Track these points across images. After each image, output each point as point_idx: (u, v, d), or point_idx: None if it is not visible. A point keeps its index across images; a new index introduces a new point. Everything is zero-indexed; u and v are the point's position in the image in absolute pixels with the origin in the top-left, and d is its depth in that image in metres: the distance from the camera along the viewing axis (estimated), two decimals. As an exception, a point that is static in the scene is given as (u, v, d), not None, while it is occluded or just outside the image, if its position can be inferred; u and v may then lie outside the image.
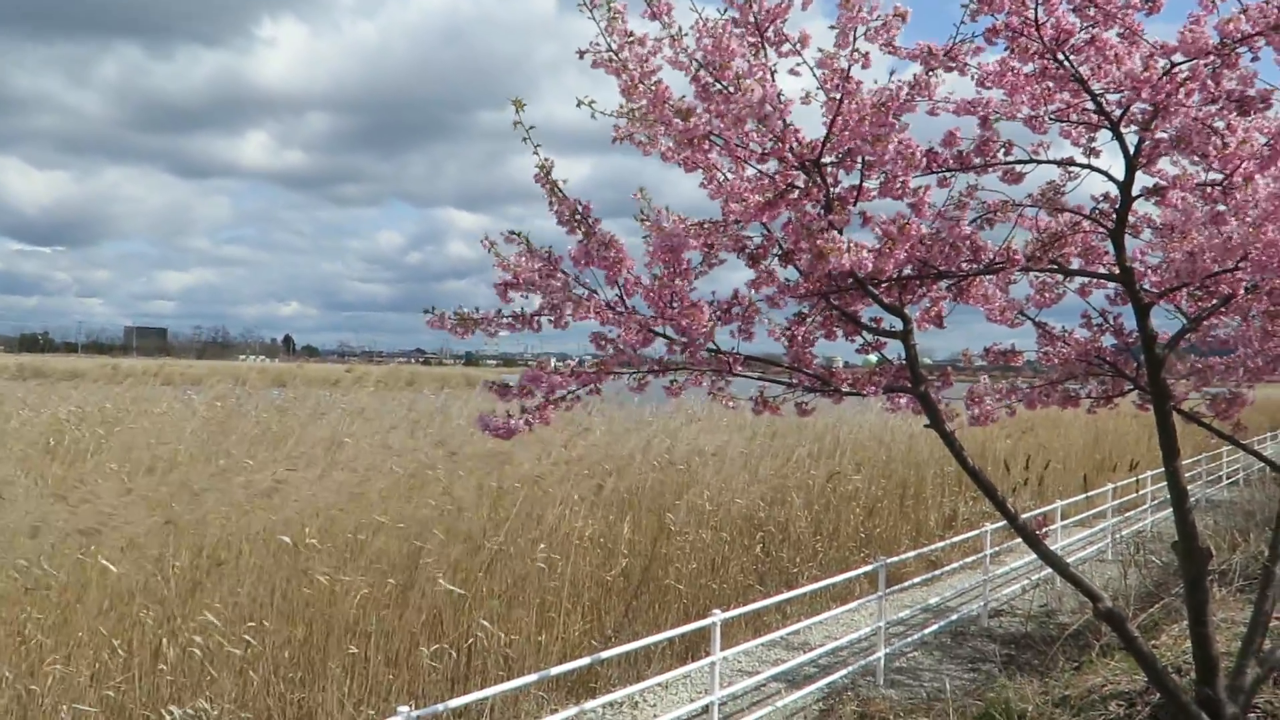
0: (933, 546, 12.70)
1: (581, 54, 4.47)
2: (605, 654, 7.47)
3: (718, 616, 7.69)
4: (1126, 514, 18.56)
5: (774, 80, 4.36)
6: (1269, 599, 5.64)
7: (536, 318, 4.64)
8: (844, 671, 9.60)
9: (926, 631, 11.27)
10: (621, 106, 4.56)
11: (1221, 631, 8.44)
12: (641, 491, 11.82)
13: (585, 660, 7.29)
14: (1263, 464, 8.55)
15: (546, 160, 4.57)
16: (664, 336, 4.80)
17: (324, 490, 8.77)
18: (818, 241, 4.36)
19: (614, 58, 4.44)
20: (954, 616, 11.90)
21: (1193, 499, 6.82)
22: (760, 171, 4.63)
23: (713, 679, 7.74)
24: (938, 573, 12.87)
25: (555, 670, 6.97)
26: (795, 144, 4.43)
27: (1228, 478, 25.69)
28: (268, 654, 7.22)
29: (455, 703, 5.89)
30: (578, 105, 4.49)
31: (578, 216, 4.59)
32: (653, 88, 4.43)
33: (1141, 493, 19.21)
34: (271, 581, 7.71)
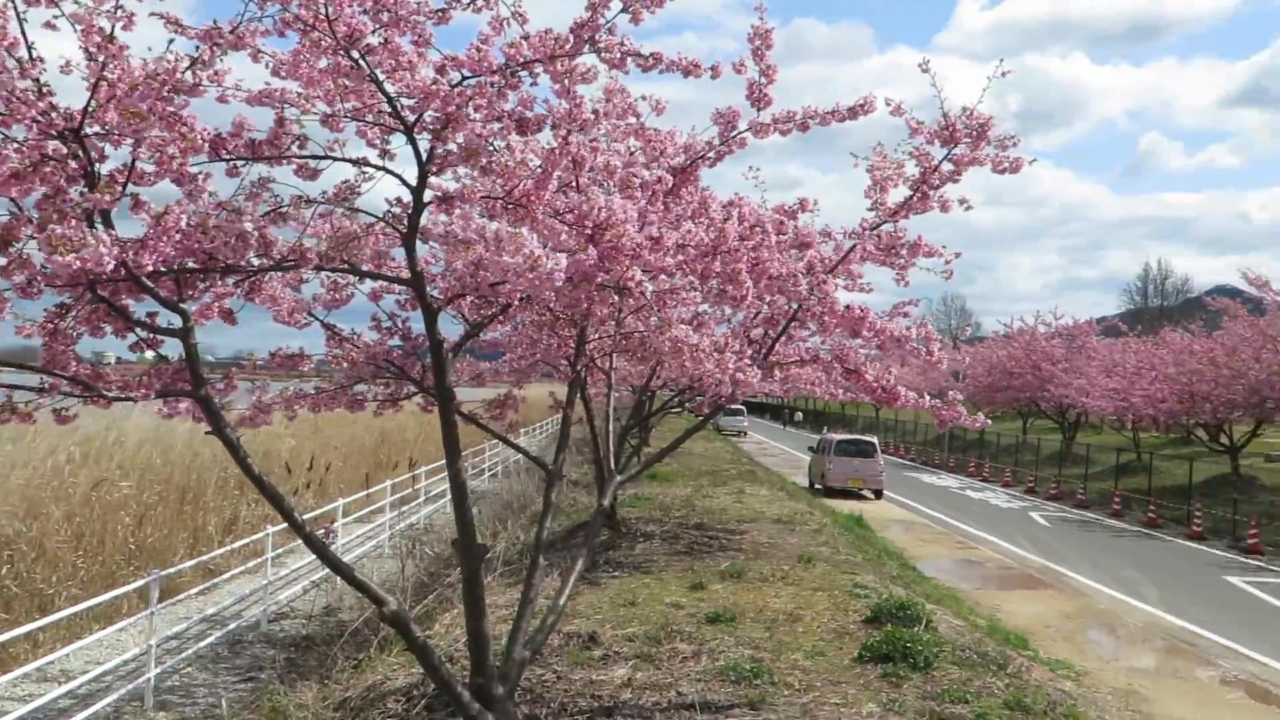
0: (212, 554, 12.10)
1: None
2: None
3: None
4: (403, 508, 19.43)
5: (24, 31, 3.67)
6: (533, 586, 6.12)
7: None
8: (109, 699, 8.70)
9: (203, 644, 10.67)
10: None
11: (488, 616, 9.09)
12: None
13: None
14: (517, 456, 9.35)
15: None
16: None
17: None
18: (49, 233, 3.72)
19: None
20: (233, 625, 11.44)
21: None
22: (7, 137, 3.89)
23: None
24: (218, 580, 12.28)
25: None
26: (51, 110, 3.78)
27: (489, 470, 28.20)
28: None
29: None
30: None
31: None
32: None
33: (417, 488, 20.28)
34: None
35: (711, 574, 11.73)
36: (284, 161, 4.77)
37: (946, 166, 6.13)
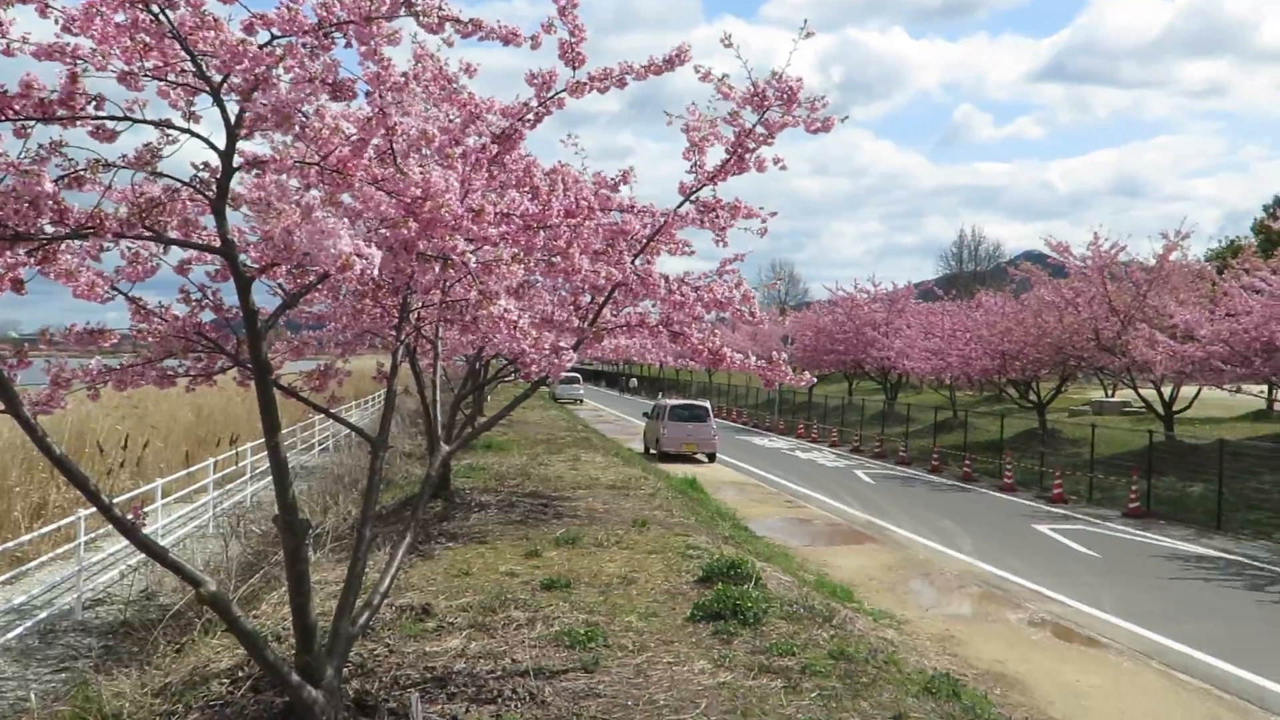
0: (18, 540, 11.45)
1: None
2: None
3: None
4: (228, 486, 18.81)
5: None
6: (360, 560, 6.00)
7: None
8: (-98, 701, 8.16)
9: (10, 635, 10.11)
10: None
11: (318, 593, 8.89)
12: None
13: None
14: (350, 431, 9.15)
15: None
16: None
17: None
18: None
19: None
20: (44, 614, 10.88)
21: (290, 467, 6.98)
22: None
23: None
24: (26, 568, 11.64)
25: None
26: None
27: (319, 444, 27.52)
28: None
29: None
30: None
31: None
32: None
33: (242, 464, 19.65)
34: None
35: (547, 541, 11.77)
36: (78, 123, 4.49)
37: (760, 130, 6.26)
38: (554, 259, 5.51)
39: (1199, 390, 26.64)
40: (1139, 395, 29.89)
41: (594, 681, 6.80)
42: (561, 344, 5.39)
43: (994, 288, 44.39)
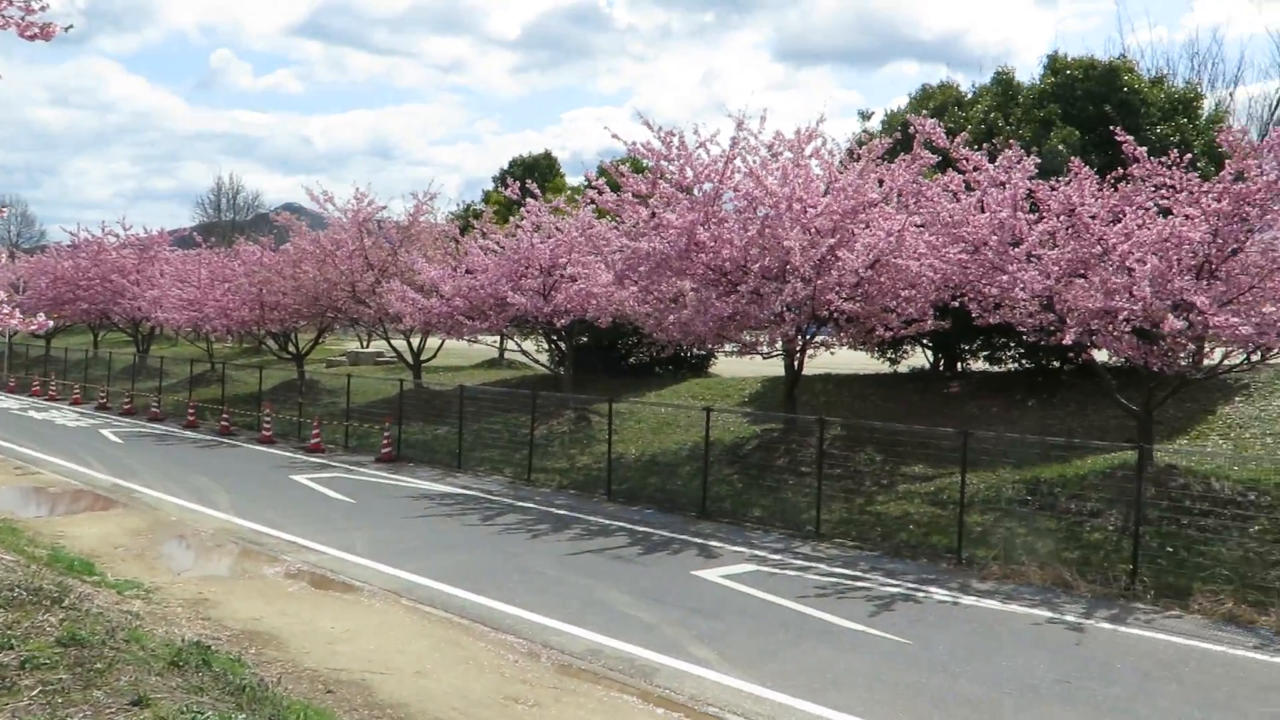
0: None
1: None
2: None
3: None
4: None
5: None
6: None
7: None
8: None
9: None
10: None
11: None
12: None
13: None
14: None
15: None
16: None
17: None
18: None
19: None
20: None
21: None
22: None
23: None
24: None
25: None
26: None
27: None
28: None
29: None
30: None
31: None
32: None
33: None
34: None
35: None
36: None
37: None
38: None
39: (443, 341, 28.73)
40: (391, 346, 31.49)
41: None
42: None
43: (254, 237, 43.65)
